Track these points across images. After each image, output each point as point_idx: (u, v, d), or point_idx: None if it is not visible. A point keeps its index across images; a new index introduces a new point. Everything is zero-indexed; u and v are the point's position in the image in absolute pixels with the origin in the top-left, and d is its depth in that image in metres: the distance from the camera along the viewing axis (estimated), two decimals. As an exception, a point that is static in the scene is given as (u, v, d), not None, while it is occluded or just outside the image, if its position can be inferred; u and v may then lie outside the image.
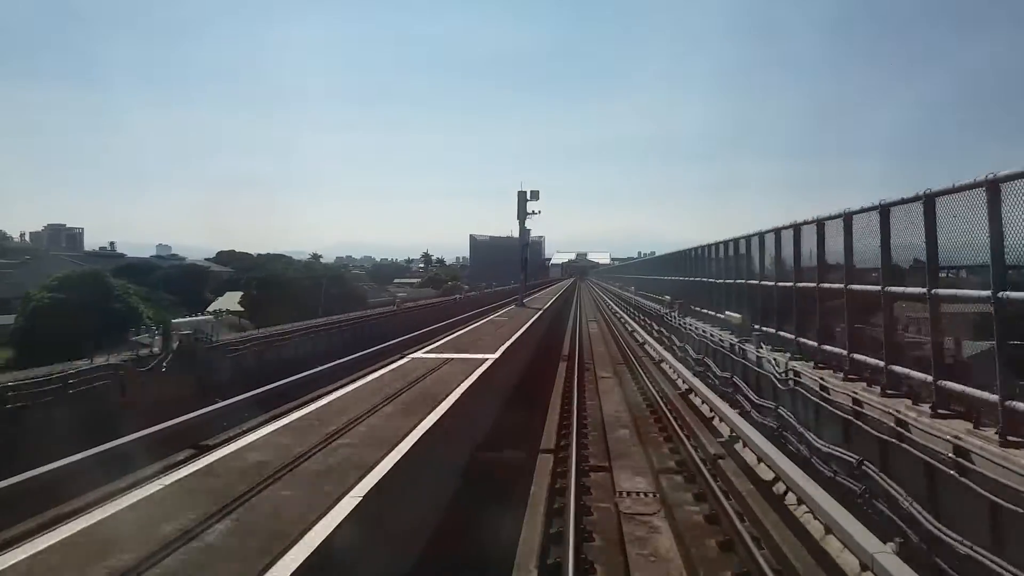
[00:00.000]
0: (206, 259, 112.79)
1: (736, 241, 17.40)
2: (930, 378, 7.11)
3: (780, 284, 12.96)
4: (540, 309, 33.58)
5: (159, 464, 11.31)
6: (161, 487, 6.05)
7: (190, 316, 51.03)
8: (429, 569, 6.88)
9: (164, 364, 18.18)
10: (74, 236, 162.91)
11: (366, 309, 56.82)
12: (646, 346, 28.43)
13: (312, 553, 4.64)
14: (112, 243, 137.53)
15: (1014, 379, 5.86)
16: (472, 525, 8.00)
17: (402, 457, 6.82)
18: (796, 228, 11.96)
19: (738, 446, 11.36)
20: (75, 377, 15.28)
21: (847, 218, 9.47)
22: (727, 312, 16.98)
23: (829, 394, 9.07)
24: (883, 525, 6.97)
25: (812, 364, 10.64)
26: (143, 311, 40.89)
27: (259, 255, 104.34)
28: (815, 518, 7.62)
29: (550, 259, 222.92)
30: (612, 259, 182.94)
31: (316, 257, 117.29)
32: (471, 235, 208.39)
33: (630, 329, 36.96)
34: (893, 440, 7.15)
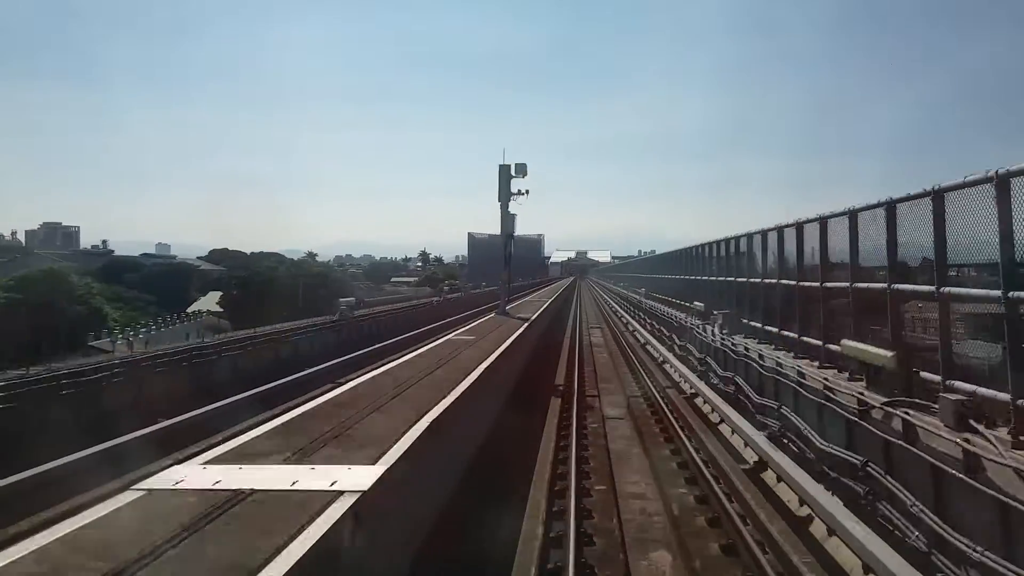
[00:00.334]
0: (199, 257, 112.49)
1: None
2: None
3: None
4: (527, 319, 24.92)
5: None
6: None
7: (167, 317, 50.09)
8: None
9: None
10: (70, 235, 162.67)
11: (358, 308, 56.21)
12: (679, 385, 19.11)
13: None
14: (104, 241, 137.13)
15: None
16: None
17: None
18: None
19: None
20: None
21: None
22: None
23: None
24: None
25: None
26: (107, 313, 39.14)
27: (251, 254, 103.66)
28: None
29: (549, 257, 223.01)
30: (612, 257, 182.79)
31: (312, 256, 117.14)
32: (469, 233, 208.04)
33: (659, 359, 24.14)
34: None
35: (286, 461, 6.10)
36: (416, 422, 7.67)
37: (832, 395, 8.97)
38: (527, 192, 24.34)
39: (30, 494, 10.25)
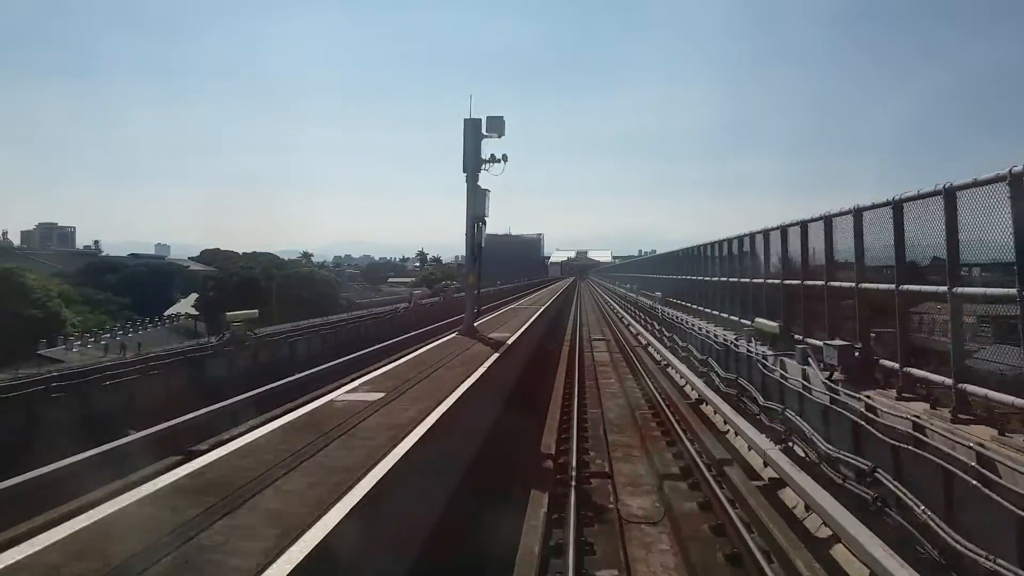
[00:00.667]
0: (190, 258, 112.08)
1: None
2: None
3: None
4: (503, 342, 16.68)
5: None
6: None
7: (138, 321, 48.63)
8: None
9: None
10: (66, 235, 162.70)
11: (346, 312, 53.83)
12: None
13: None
14: (96, 241, 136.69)
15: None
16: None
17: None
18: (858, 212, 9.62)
19: None
20: None
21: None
22: None
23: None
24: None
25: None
26: (66, 317, 37.41)
27: (243, 254, 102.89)
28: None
29: (548, 257, 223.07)
30: (613, 257, 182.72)
31: (307, 256, 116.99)
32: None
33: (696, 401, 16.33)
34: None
35: None
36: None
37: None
38: (505, 159, 17.17)
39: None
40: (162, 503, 5.17)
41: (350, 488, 5.47)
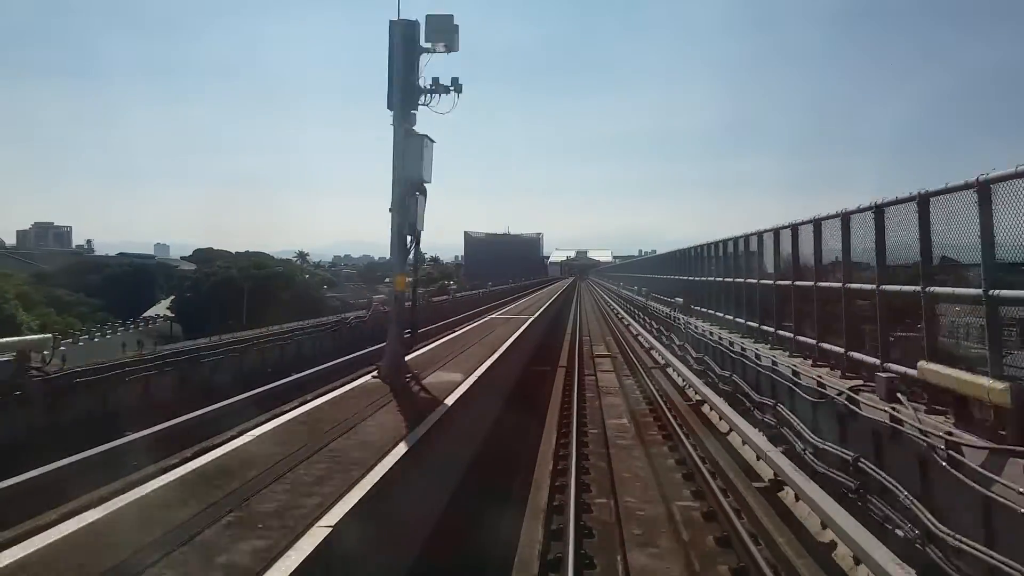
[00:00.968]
0: (182, 257, 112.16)
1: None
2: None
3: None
4: (449, 392, 10.45)
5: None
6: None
7: (108, 323, 47.19)
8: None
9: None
10: (62, 234, 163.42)
11: (335, 314, 50.36)
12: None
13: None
14: (89, 241, 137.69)
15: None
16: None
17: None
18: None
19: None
20: None
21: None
22: None
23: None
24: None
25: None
26: (23, 320, 36.29)
27: (236, 253, 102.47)
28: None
29: (548, 257, 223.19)
30: (614, 257, 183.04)
31: (303, 255, 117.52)
32: (465, 232, 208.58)
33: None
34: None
35: None
36: None
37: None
38: (458, 89, 11.25)
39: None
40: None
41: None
